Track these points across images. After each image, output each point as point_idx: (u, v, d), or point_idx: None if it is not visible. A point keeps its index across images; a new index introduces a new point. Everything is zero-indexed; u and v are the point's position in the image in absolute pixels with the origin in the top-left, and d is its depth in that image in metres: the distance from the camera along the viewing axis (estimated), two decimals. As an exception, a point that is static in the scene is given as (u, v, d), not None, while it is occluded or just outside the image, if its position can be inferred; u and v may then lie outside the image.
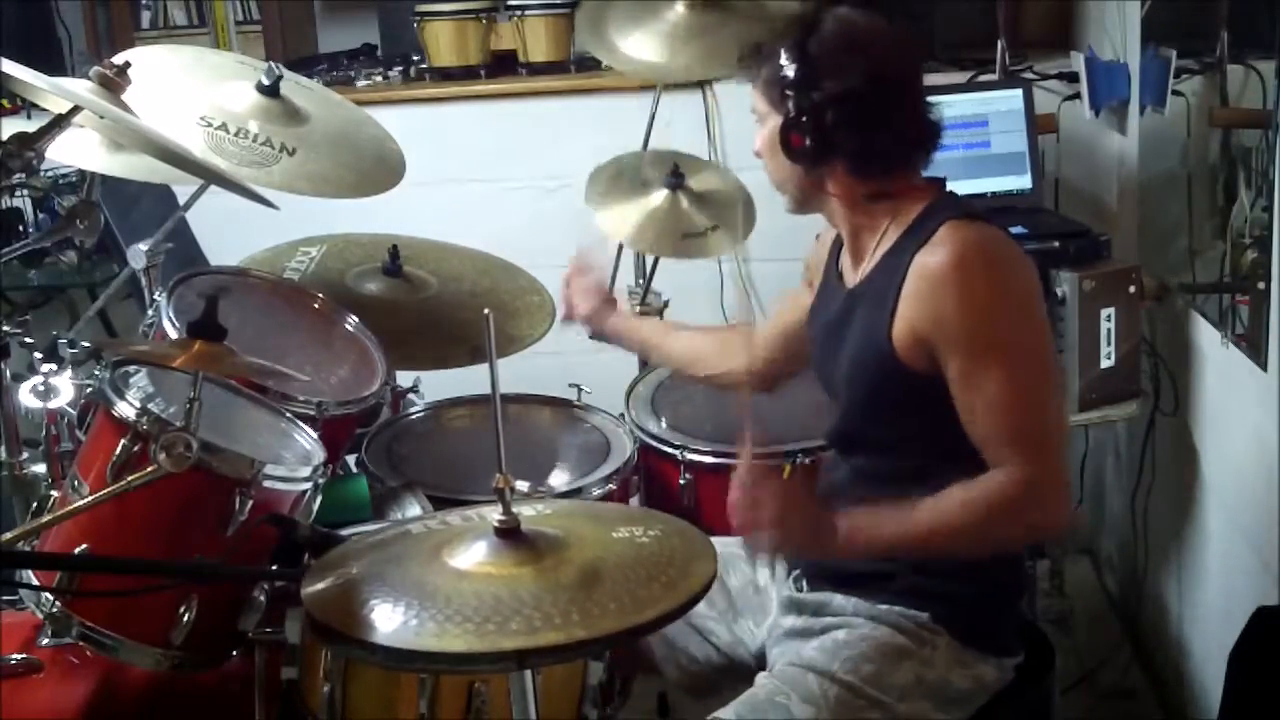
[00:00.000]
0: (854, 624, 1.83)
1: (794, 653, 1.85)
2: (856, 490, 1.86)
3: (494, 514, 1.49)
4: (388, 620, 1.37)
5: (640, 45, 2.84)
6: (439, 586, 1.42)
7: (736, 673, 1.94)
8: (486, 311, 1.49)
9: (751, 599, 2.00)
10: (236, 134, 2.26)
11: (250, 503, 1.78)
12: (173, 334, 2.13)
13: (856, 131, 1.77)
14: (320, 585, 1.48)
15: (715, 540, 1.93)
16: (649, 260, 2.99)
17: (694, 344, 2.29)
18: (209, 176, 2.04)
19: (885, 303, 1.78)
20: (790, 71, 1.78)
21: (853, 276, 1.91)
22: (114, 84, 1.87)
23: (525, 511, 1.54)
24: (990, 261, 1.75)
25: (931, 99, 1.85)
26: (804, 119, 1.78)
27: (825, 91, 1.76)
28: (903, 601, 1.82)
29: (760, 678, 1.83)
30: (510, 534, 1.47)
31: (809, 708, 1.75)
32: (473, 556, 1.46)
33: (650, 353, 2.41)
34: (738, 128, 3.49)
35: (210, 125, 2.25)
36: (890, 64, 1.79)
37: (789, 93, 1.79)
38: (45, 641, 1.91)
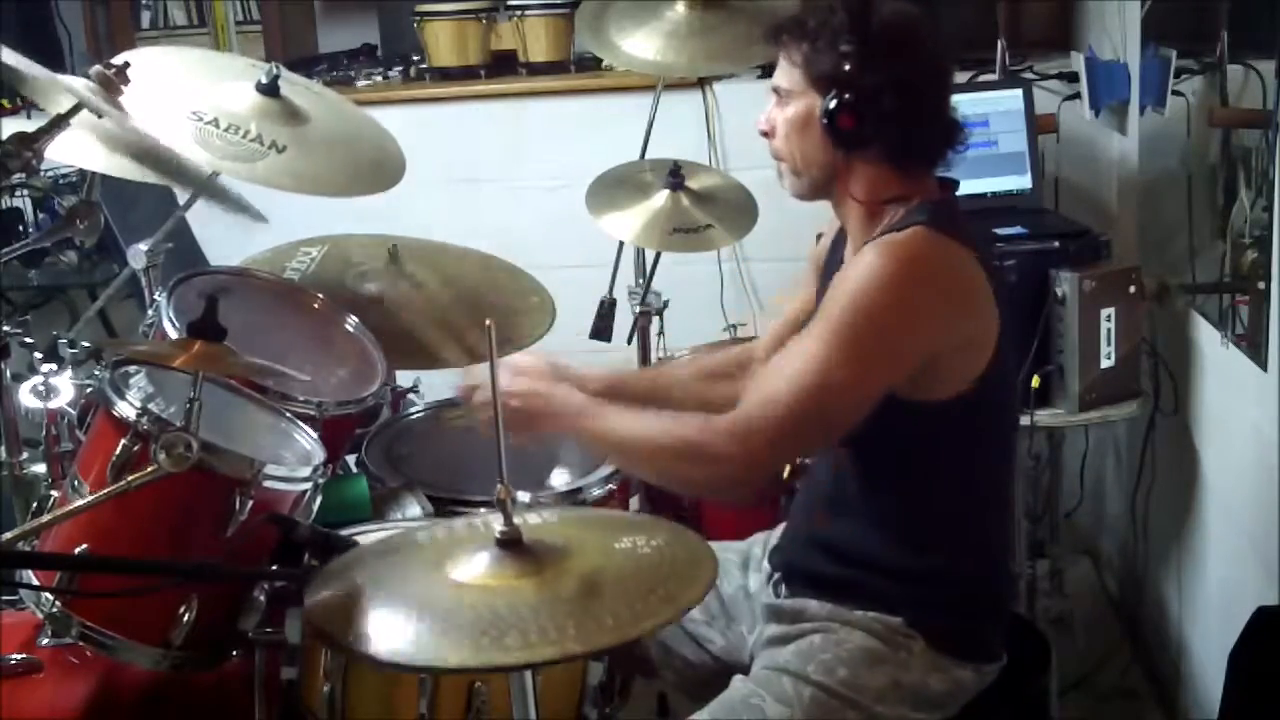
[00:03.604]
0: (829, 629, 1.82)
1: (771, 658, 1.85)
2: (832, 490, 1.88)
3: (496, 523, 1.49)
4: (388, 633, 1.38)
5: (641, 44, 2.84)
6: (439, 598, 1.43)
7: (731, 676, 1.94)
8: (489, 323, 1.49)
9: (743, 605, 2.00)
10: (226, 129, 2.25)
11: (250, 503, 1.78)
12: (173, 334, 2.12)
13: (905, 121, 1.75)
14: (323, 596, 1.49)
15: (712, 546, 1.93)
16: (649, 261, 2.99)
17: (691, 388, 2.14)
18: (199, 186, 2.03)
19: None
20: (848, 50, 1.75)
21: None
22: (113, 84, 1.86)
23: (530, 519, 1.54)
24: (901, 270, 1.70)
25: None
26: (859, 101, 1.74)
27: (886, 75, 1.73)
28: (877, 606, 1.81)
29: (736, 680, 1.83)
30: (512, 545, 1.47)
31: (783, 708, 1.75)
32: (474, 568, 1.46)
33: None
34: (738, 127, 3.50)
35: (200, 120, 2.24)
36: (942, 57, 1.79)
37: (840, 74, 1.75)
38: (45, 641, 1.91)
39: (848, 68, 1.74)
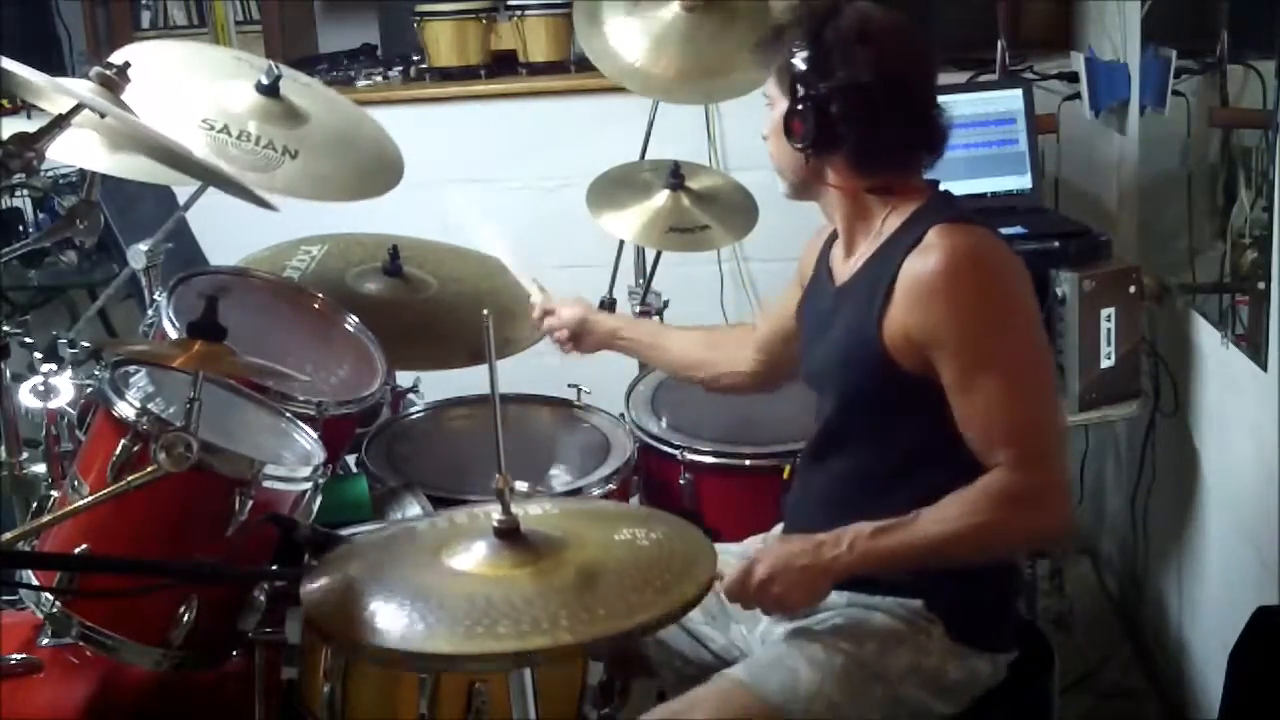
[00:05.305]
0: (850, 613, 1.84)
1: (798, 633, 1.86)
2: (838, 493, 1.87)
3: (494, 513, 1.49)
4: (380, 621, 1.38)
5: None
6: (434, 587, 1.42)
7: None
8: (486, 312, 1.49)
9: None
10: (239, 137, 2.26)
11: (250, 503, 1.78)
12: (173, 334, 2.13)
13: (859, 125, 1.78)
14: (319, 584, 1.48)
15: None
16: (649, 260, 2.99)
17: (690, 347, 2.30)
18: (207, 177, 2.04)
19: (875, 300, 1.79)
20: (801, 58, 1.80)
21: (842, 272, 1.91)
22: (114, 84, 1.86)
23: (531, 511, 1.54)
24: (981, 267, 1.75)
25: (941, 100, 1.85)
26: (808, 107, 1.79)
27: (833, 82, 1.77)
28: (896, 592, 1.83)
29: (768, 644, 1.85)
30: (509, 535, 1.47)
31: (815, 673, 1.76)
32: (471, 557, 1.46)
33: (647, 356, 2.42)
34: (738, 128, 3.50)
35: (212, 129, 2.25)
36: (901, 61, 1.78)
37: (798, 79, 1.80)
38: (45, 641, 1.92)
39: (801, 75, 1.80)
